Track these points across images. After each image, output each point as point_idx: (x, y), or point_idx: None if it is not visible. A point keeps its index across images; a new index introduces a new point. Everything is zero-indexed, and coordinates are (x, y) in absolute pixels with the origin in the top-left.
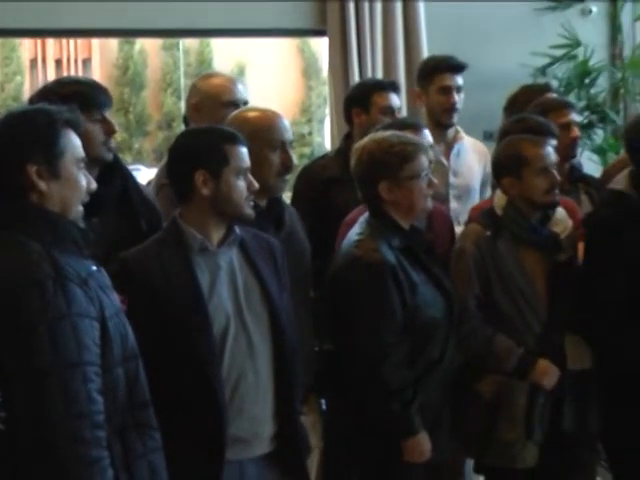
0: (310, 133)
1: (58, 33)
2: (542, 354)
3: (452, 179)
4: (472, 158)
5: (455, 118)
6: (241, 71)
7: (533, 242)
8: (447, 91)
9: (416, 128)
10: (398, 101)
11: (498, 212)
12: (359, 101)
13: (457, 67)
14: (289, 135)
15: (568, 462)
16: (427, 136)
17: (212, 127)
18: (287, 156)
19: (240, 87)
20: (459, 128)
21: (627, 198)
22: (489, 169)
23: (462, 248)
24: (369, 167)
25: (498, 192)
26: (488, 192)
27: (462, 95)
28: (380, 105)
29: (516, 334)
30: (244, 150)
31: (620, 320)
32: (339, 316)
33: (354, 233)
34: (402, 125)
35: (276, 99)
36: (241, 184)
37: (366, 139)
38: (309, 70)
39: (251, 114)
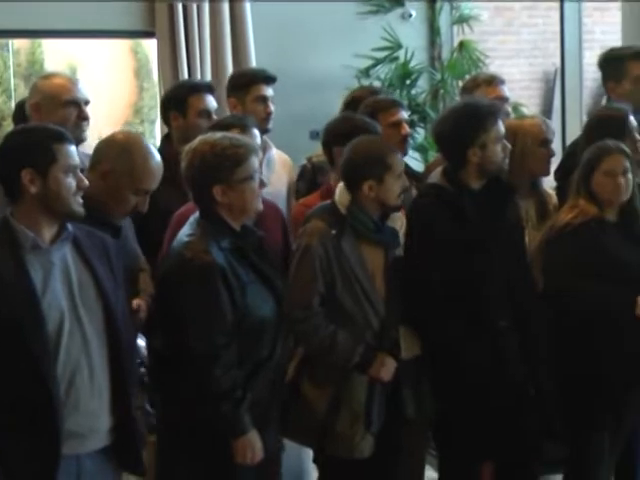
0: (143, 134)
1: None
2: (380, 348)
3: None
4: (279, 168)
5: (271, 125)
6: (73, 72)
7: (377, 239)
8: (264, 100)
9: (244, 128)
10: (215, 103)
11: (342, 211)
12: (176, 104)
13: (272, 79)
14: (155, 185)
15: (399, 450)
16: (256, 136)
17: (39, 125)
18: (143, 203)
19: (80, 87)
20: (266, 138)
21: (440, 190)
22: (294, 178)
23: (307, 246)
24: (201, 171)
25: (339, 190)
26: (292, 202)
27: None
28: (197, 108)
29: (356, 330)
30: (72, 148)
31: (438, 308)
32: (169, 316)
33: (184, 234)
34: (230, 124)
35: (108, 100)
36: (69, 181)
37: (197, 141)
38: (141, 71)
39: (137, 154)
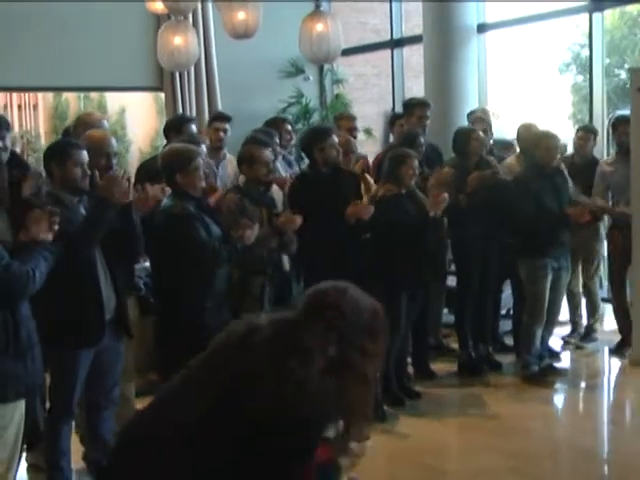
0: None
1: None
2: None
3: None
4: (230, 166)
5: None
6: (123, 111)
7: (263, 202)
8: (219, 130)
9: (198, 144)
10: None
11: (241, 185)
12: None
13: (228, 118)
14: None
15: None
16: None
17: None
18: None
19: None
20: (225, 151)
21: (304, 174)
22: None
23: (227, 202)
24: (169, 163)
25: (242, 176)
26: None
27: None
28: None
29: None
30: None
31: (309, 238)
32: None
33: (167, 202)
34: (194, 139)
35: (142, 126)
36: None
37: (166, 150)
38: (160, 110)
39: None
